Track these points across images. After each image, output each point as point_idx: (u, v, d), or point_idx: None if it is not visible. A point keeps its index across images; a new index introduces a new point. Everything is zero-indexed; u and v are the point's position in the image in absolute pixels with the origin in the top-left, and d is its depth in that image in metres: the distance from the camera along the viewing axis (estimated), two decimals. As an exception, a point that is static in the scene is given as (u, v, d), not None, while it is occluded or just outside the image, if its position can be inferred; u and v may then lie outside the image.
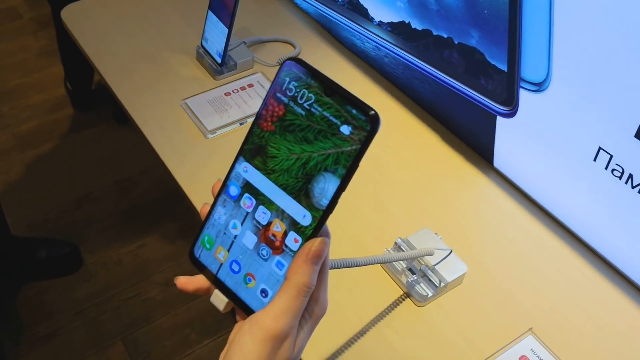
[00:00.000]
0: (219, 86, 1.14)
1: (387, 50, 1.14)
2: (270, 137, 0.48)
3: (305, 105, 0.46)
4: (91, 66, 2.28)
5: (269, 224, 0.48)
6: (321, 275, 0.49)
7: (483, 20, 0.92)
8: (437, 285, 0.84)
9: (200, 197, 0.96)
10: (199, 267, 0.53)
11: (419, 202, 0.98)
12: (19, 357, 1.66)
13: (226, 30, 1.11)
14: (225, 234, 0.51)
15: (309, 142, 0.46)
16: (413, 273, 0.86)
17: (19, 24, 2.73)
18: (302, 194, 0.47)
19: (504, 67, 0.92)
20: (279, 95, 0.47)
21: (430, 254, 0.85)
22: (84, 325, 1.75)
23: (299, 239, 0.47)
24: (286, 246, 0.48)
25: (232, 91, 1.13)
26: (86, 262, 1.90)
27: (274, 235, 0.48)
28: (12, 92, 2.42)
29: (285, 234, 0.47)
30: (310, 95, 0.46)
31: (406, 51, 1.09)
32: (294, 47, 1.24)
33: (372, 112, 0.44)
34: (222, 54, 1.14)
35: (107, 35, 1.25)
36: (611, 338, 0.82)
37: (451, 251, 0.87)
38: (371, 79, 1.20)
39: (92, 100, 2.37)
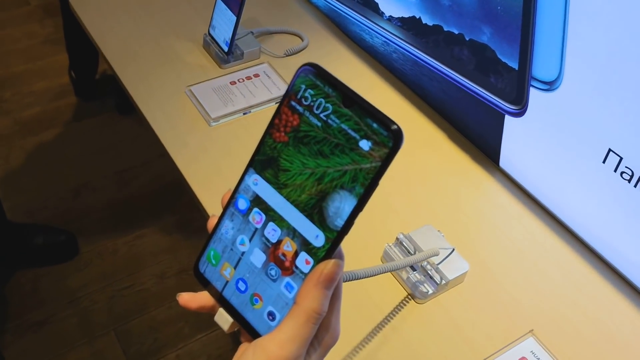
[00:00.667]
0: (225, 75, 1.13)
1: (396, 46, 1.12)
2: (283, 148, 0.44)
3: (321, 116, 0.42)
4: (96, 56, 2.29)
5: (279, 242, 0.45)
6: (334, 301, 0.45)
7: (496, 16, 0.90)
8: (438, 282, 0.82)
9: (199, 184, 0.94)
10: (203, 283, 0.49)
11: (422, 199, 0.96)
12: (8, 343, 1.64)
13: (234, 18, 1.10)
14: (232, 249, 0.47)
15: (325, 156, 0.42)
16: (414, 269, 0.84)
17: (25, 11, 2.72)
18: (315, 212, 0.43)
19: (515, 65, 0.90)
20: (293, 103, 0.43)
21: (436, 255, 0.83)
22: (76, 314, 1.73)
23: (311, 260, 0.43)
24: (297, 267, 0.44)
25: (238, 80, 1.12)
26: (82, 251, 1.88)
27: (284, 255, 0.44)
28: (15, 78, 2.41)
29: (296, 254, 0.44)
30: (328, 105, 0.42)
31: (416, 47, 1.08)
32: (302, 40, 1.23)
33: (395, 126, 0.40)
34: (229, 42, 1.12)
35: (113, 20, 1.24)
36: (613, 344, 0.80)
37: (453, 249, 0.85)
38: (379, 75, 1.18)
39: (96, 90, 2.36)
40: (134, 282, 1.82)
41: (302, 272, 0.44)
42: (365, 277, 0.64)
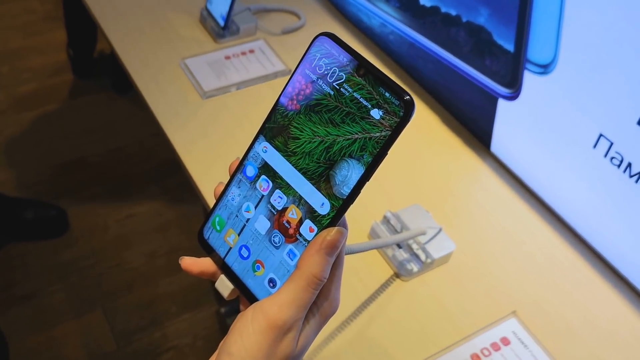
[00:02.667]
0: (220, 49, 1.12)
1: (392, 28, 1.12)
2: (295, 116, 0.44)
3: (334, 84, 0.42)
4: (94, 34, 2.28)
5: (285, 209, 0.44)
6: (335, 270, 0.45)
7: (493, -3, 0.90)
8: (424, 261, 0.82)
9: (190, 156, 0.94)
10: (206, 250, 0.49)
11: (412, 179, 0.96)
12: (-5, 315, 1.64)
13: (232, -7, 1.09)
14: (237, 216, 0.47)
15: (335, 124, 0.42)
16: (400, 247, 0.84)
17: (25, -14, 2.71)
18: (322, 180, 0.43)
19: (510, 47, 0.90)
20: (307, 72, 0.43)
21: (423, 234, 0.83)
22: (65, 290, 1.72)
23: (315, 228, 0.43)
24: (300, 235, 0.44)
25: (233, 55, 1.11)
26: (72, 227, 1.87)
27: (288, 222, 0.44)
28: (13, 53, 2.40)
29: (300, 222, 0.44)
30: (342, 74, 0.42)
31: (413, 28, 1.07)
32: (299, 18, 1.22)
33: (407, 96, 0.40)
34: (225, 17, 1.12)
35: (111, -9, 1.23)
36: (596, 328, 0.80)
37: (440, 229, 0.85)
38: (375, 57, 1.18)
39: (93, 69, 2.35)
40: (123, 260, 1.82)
41: (305, 240, 0.43)
42: (359, 252, 0.63)
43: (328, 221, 0.43)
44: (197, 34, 1.16)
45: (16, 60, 2.37)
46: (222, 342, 0.45)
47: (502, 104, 0.96)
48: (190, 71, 1.07)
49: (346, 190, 0.42)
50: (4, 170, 1.96)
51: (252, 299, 0.46)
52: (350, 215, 0.88)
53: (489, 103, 0.98)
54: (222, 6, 1.12)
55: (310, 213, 0.43)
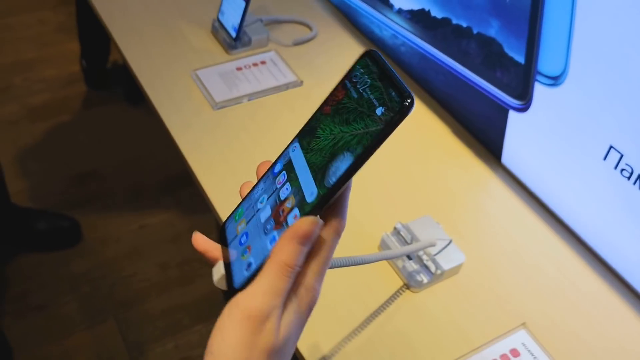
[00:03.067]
0: (232, 60, 1.13)
1: (404, 39, 1.12)
2: (324, 119, 0.46)
3: (360, 89, 0.44)
4: (107, 45, 2.30)
5: (285, 199, 0.46)
6: (317, 263, 0.45)
7: (504, 9, 0.90)
8: (434, 272, 0.82)
9: (200, 165, 0.94)
10: (224, 243, 0.50)
11: (423, 191, 0.96)
12: (8, 325, 1.65)
13: (243, 4, 1.10)
14: (252, 207, 0.49)
15: (348, 123, 0.44)
16: (410, 259, 0.84)
17: (39, -3, 2.74)
18: (320, 171, 0.45)
19: (521, 59, 0.90)
20: (346, 82, 0.46)
21: (433, 245, 0.83)
22: (77, 300, 1.73)
23: (298, 216, 0.44)
24: (286, 222, 0.45)
25: (244, 66, 1.12)
26: (85, 238, 1.88)
27: (282, 211, 0.46)
28: (26, 64, 2.42)
29: (291, 210, 0.45)
30: (368, 80, 0.44)
31: (424, 40, 1.07)
32: (311, 30, 1.23)
33: (407, 94, 0.41)
34: (237, 28, 1.13)
35: (123, 2, 1.24)
36: (606, 341, 0.80)
37: (451, 241, 0.85)
38: (385, 68, 1.18)
39: (106, 80, 2.37)
40: (136, 271, 1.82)
41: (287, 226, 0.44)
42: (360, 264, 0.64)
43: (310, 209, 0.44)
44: (209, 45, 1.17)
45: (29, 71, 2.39)
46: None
47: (512, 115, 0.96)
48: (201, 82, 1.08)
49: (333, 179, 0.43)
50: (18, 180, 1.98)
51: (230, 283, 0.46)
52: (360, 226, 0.89)
53: (500, 114, 0.98)
54: (234, 17, 1.13)
55: (301, 202, 0.45)
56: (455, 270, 0.84)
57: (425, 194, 0.96)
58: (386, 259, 0.78)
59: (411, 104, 0.41)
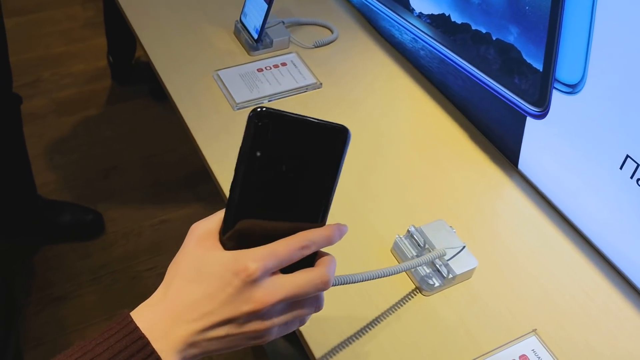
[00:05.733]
0: (253, 62, 1.15)
1: (424, 43, 1.13)
2: None
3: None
4: (133, 41, 2.33)
5: None
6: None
7: (523, 16, 0.90)
8: (445, 276, 0.83)
9: (219, 166, 0.96)
10: None
11: (437, 195, 0.97)
12: (30, 314, 1.68)
13: (266, 6, 1.11)
14: None
15: None
16: (423, 262, 0.85)
17: (68, -7, 2.78)
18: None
19: (539, 66, 0.90)
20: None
21: (443, 255, 0.83)
22: (98, 292, 1.77)
23: None
24: None
25: (265, 68, 1.13)
26: (107, 231, 1.92)
27: None
28: (55, 58, 2.47)
29: None
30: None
31: (443, 45, 1.08)
32: (332, 32, 1.24)
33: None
34: (259, 30, 1.14)
35: (149, 2, 1.26)
36: (618, 352, 0.80)
37: (464, 246, 0.85)
38: (405, 71, 1.19)
39: (131, 75, 2.40)
40: (156, 265, 1.85)
41: None
42: (359, 282, 0.67)
43: None
44: (231, 46, 1.19)
45: (57, 65, 2.44)
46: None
47: (530, 122, 0.96)
48: (222, 82, 1.09)
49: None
50: (44, 173, 2.02)
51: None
52: (373, 229, 0.90)
53: (518, 121, 0.98)
54: (256, 19, 1.15)
55: None
56: (467, 274, 0.85)
57: (439, 198, 0.96)
58: (387, 275, 0.75)
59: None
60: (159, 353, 0.48)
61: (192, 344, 0.50)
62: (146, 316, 0.50)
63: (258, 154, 0.50)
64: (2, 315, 1.32)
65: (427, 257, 0.81)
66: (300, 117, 0.50)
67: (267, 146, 0.50)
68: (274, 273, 0.51)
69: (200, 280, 0.50)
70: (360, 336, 0.78)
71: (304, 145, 0.51)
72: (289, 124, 0.50)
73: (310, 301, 0.54)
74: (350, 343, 0.77)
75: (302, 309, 0.54)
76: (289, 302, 0.52)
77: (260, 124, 0.49)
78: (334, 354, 0.76)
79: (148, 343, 0.48)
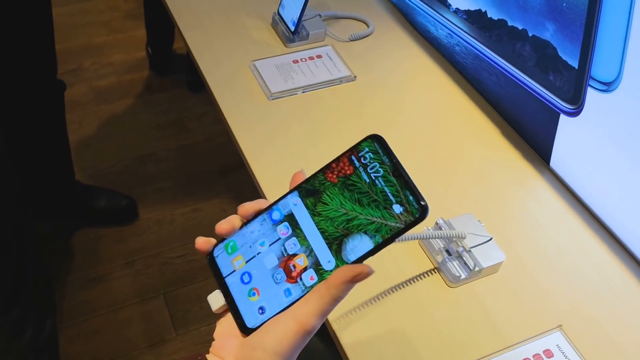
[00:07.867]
0: (289, 53, 1.16)
1: (459, 39, 1.13)
2: (330, 187, 0.52)
3: (372, 175, 0.51)
4: (172, 33, 2.37)
5: (294, 255, 0.52)
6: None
7: (560, 13, 0.90)
8: (472, 268, 0.83)
9: (254, 155, 0.98)
10: (212, 267, 0.56)
11: (467, 189, 0.97)
12: (66, 295, 1.73)
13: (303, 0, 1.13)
14: (250, 247, 0.54)
15: (362, 205, 0.51)
16: (449, 254, 0.86)
17: (111, -15, 2.84)
18: (335, 242, 0.51)
19: (575, 63, 0.90)
20: (353, 158, 0.52)
21: (463, 237, 0.84)
22: (130, 276, 1.81)
23: (316, 277, 0.51)
24: (301, 279, 0.51)
25: (301, 59, 1.15)
26: (141, 217, 1.96)
27: (294, 266, 0.52)
28: (96, 48, 2.52)
29: (305, 269, 0.51)
30: (380, 169, 0.51)
31: (479, 41, 1.08)
32: (368, 26, 1.25)
33: (424, 202, 0.48)
34: (296, 22, 1.16)
35: (190, -7, 1.29)
36: (644, 350, 0.80)
37: (491, 238, 0.86)
38: (440, 67, 1.19)
39: (169, 67, 2.45)
40: (187, 252, 1.89)
41: (304, 285, 0.51)
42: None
43: (328, 275, 0.50)
44: (268, 38, 1.20)
45: (98, 55, 2.49)
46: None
47: (563, 119, 0.96)
48: (259, 72, 1.11)
49: (352, 258, 0.50)
50: (81, 159, 2.07)
51: (238, 318, 0.52)
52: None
53: (551, 118, 0.98)
54: (294, 11, 1.16)
55: (316, 265, 0.51)
56: (494, 268, 0.85)
57: (469, 192, 0.97)
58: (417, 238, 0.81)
59: (426, 212, 0.48)
60: None
61: None
62: None
63: None
64: (41, 295, 1.36)
65: (445, 232, 0.82)
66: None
67: None
68: None
69: None
70: (385, 324, 0.79)
71: None
72: None
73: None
74: (373, 328, 0.78)
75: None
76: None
77: None
78: (361, 346, 0.77)
79: None
